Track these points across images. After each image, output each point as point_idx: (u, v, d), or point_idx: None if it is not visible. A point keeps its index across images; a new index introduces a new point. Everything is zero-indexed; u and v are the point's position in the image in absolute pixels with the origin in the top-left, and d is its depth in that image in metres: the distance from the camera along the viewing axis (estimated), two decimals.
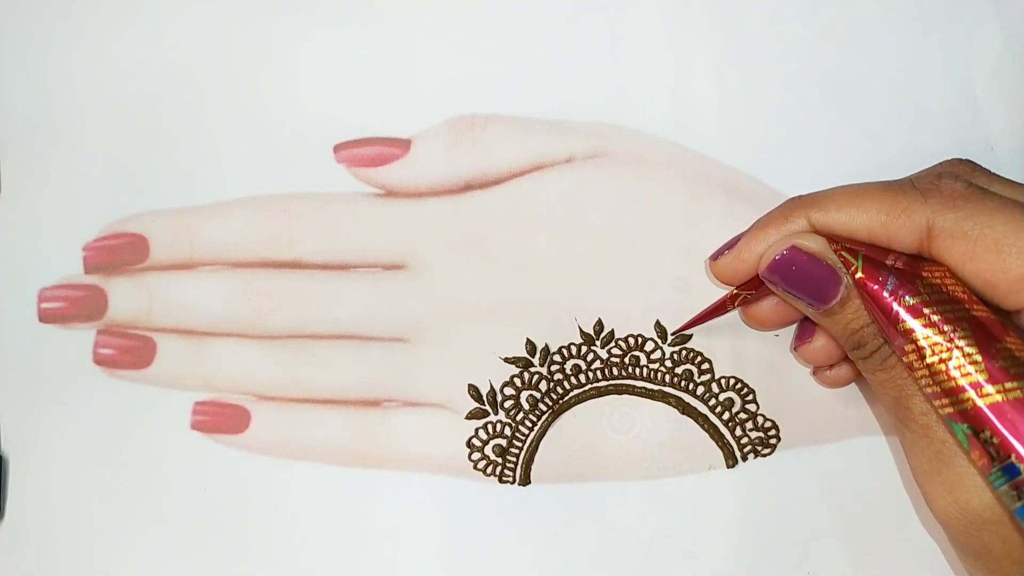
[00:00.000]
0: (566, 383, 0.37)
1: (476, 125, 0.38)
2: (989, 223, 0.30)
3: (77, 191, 0.38)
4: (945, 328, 0.29)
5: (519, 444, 0.37)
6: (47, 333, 0.38)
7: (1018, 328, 0.30)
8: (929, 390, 0.30)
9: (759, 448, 0.37)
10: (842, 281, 0.31)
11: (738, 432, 0.37)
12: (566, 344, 0.37)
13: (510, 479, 0.37)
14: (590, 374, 0.37)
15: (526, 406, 0.37)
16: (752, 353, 0.37)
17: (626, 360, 0.37)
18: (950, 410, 0.29)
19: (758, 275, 0.33)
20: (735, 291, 0.35)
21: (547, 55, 0.38)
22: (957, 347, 0.29)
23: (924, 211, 0.31)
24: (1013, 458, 0.28)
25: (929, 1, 0.38)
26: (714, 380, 0.37)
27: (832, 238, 0.32)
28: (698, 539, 0.37)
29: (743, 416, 0.37)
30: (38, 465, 0.37)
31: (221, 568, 0.37)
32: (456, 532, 0.37)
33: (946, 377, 0.29)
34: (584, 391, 0.37)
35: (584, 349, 0.37)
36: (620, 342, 0.37)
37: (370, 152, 0.38)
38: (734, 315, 0.37)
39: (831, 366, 0.36)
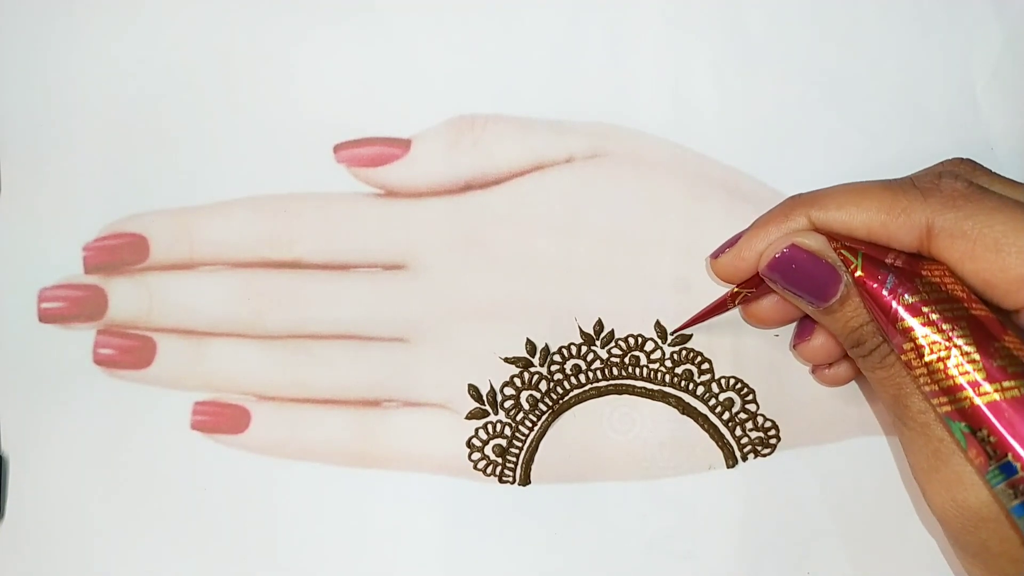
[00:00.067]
0: (566, 383, 0.37)
1: (476, 125, 0.38)
2: (988, 223, 0.30)
3: (77, 191, 0.38)
4: (944, 327, 0.29)
5: (519, 444, 0.37)
6: (47, 333, 0.38)
7: (1017, 327, 0.30)
8: (927, 388, 0.30)
9: (759, 448, 0.37)
10: (842, 279, 0.31)
11: (738, 432, 0.37)
12: (566, 344, 0.37)
13: (510, 479, 0.37)
14: (590, 374, 0.37)
15: (526, 406, 0.37)
16: (752, 353, 0.37)
17: (626, 360, 0.37)
18: (948, 408, 0.29)
19: (758, 273, 0.33)
20: (736, 289, 0.35)
21: (547, 55, 0.38)
22: (955, 346, 0.29)
23: (924, 210, 0.31)
24: (1010, 456, 0.28)
25: (929, 1, 0.38)
26: (714, 380, 0.37)
27: (832, 236, 0.32)
28: (698, 539, 0.37)
29: (743, 416, 0.37)
30: (38, 465, 0.37)
31: (221, 568, 0.37)
32: (456, 532, 0.37)
33: (944, 376, 0.29)
34: (584, 391, 0.37)
35: (584, 349, 0.37)
36: (620, 342, 0.37)
37: (370, 152, 0.38)
38: (734, 314, 0.37)
39: (830, 364, 0.36)
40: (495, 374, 0.37)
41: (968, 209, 0.30)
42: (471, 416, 0.37)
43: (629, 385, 0.37)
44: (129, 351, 0.37)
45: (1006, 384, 0.29)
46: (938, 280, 0.30)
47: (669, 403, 0.37)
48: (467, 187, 0.38)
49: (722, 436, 0.37)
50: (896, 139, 0.38)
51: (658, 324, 0.37)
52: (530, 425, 0.37)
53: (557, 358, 0.37)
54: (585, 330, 0.37)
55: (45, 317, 0.38)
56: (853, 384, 0.37)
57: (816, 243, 0.32)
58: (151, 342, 0.38)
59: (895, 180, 0.32)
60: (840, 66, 0.38)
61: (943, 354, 0.29)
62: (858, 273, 0.31)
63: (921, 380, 0.30)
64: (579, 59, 0.38)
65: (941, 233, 0.30)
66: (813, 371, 0.37)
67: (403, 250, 0.38)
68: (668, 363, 0.37)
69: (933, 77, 0.38)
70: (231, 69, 0.38)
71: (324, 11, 0.38)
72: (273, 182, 0.38)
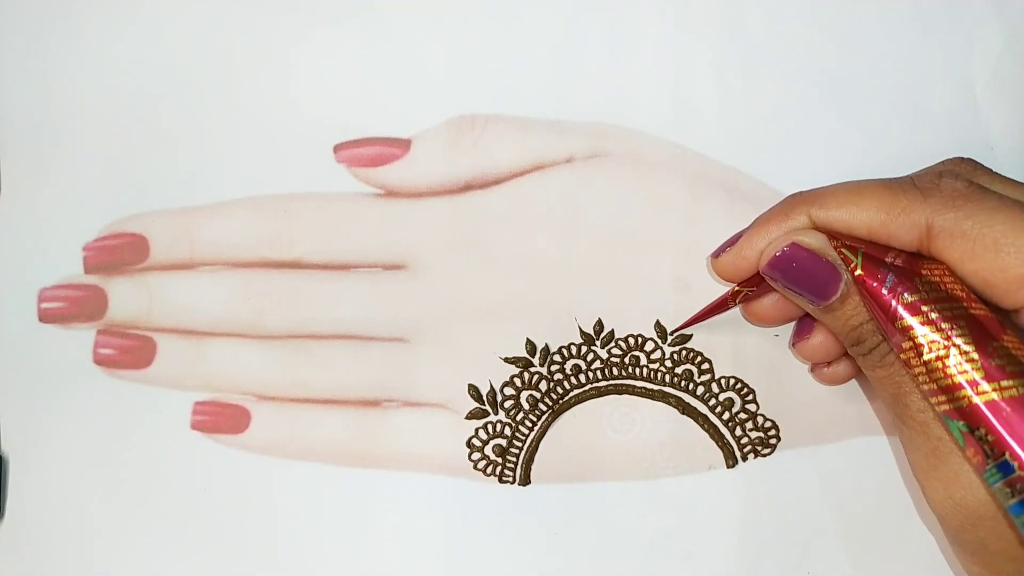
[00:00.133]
0: (566, 383, 0.37)
1: (476, 125, 0.38)
2: (988, 222, 0.30)
3: (77, 191, 0.38)
4: (943, 326, 0.29)
5: (519, 444, 0.37)
6: (47, 333, 0.38)
7: (1016, 327, 0.30)
8: (926, 387, 0.30)
9: (759, 448, 0.37)
10: (842, 278, 0.31)
11: (738, 432, 0.37)
12: (566, 344, 0.37)
13: (510, 479, 0.37)
14: (590, 374, 0.37)
15: (526, 406, 0.37)
16: (752, 353, 0.37)
17: (626, 360, 0.37)
18: (946, 407, 0.29)
19: (759, 272, 0.33)
20: (736, 288, 0.35)
21: (547, 55, 0.38)
22: (954, 345, 0.29)
23: (924, 210, 0.31)
24: (1007, 455, 0.28)
25: (929, 1, 0.38)
26: (714, 380, 0.37)
27: (832, 235, 0.32)
28: (698, 539, 0.37)
29: (743, 416, 0.37)
30: (38, 465, 0.37)
31: (221, 568, 0.37)
32: (456, 532, 0.37)
33: (943, 374, 0.29)
34: (584, 391, 0.37)
35: (584, 349, 0.37)
36: (620, 342, 0.37)
37: (370, 152, 0.38)
38: (734, 314, 0.37)
39: (829, 363, 0.36)
40: (495, 374, 0.37)
41: (968, 209, 0.30)
42: (471, 416, 0.37)
43: (629, 385, 0.37)
44: (129, 351, 0.38)
45: (1004, 383, 0.29)
46: (938, 279, 0.30)
47: (669, 403, 0.37)
48: (467, 187, 0.38)
49: (722, 436, 0.37)
50: (896, 139, 0.38)
51: (658, 324, 0.37)
52: (530, 425, 0.37)
53: (557, 358, 0.37)
54: (585, 330, 0.37)
55: (45, 317, 0.38)
56: (853, 384, 0.37)
57: (816, 242, 0.32)
58: (151, 342, 0.38)
59: (895, 179, 0.32)
60: (840, 66, 0.38)
61: (942, 353, 0.29)
62: (858, 272, 0.31)
63: (920, 379, 0.30)
64: (579, 59, 0.38)
65: (941, 233, 0.30)
66: (812, 369, 0.37)
67: (403, 250, 0.38)
68: (668, 363, 0.37)
69: (933, 77, 0.38)
70: (231, 69, 0.38)
71: (324, 11, 0.38)
72: (273, 182, 0.38)
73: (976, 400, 0.29)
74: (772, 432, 0.37)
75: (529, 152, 0.38)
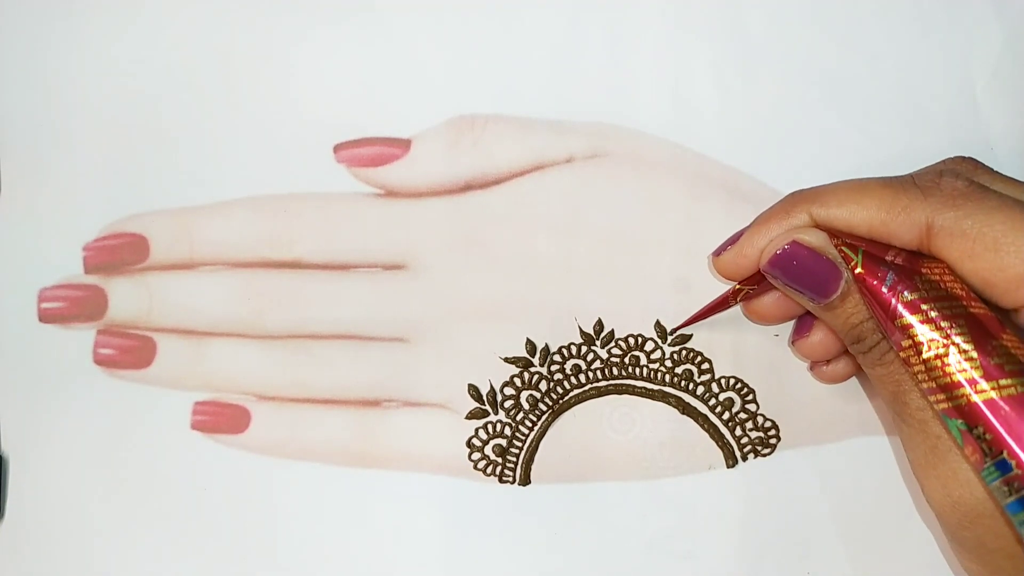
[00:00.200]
0: (566, 383, 0.37)
1: (476, 125, 0.38)
2: (988, 222, 0.30)
3: (77, 191, 0.38)
4: (942, 324, 0.30)
5: (519, 444, 0.37)
6: (47, 333, 0.38)
7: (1015, 326, 0.30)
8: (925, 385, 0.30)
9: (759, 448, 0.37)
10: (842, 276, 0.31)
11: (738, 432, 0.37)
12: (566, 344, 0.37)
13: (510, 479, 0.37)
14: (590, 374, 0.37)
15: (526, 406, 0.37)
16: (752, 353, 0.37)
17: (626, 360, 0.37)
18: (945, 406, 0.29)
19: (760, 270, 0.33)
20: (737, 286, 0.35)
21: (547, 55, 0.38)
22: (954, 343, 0.29)
23: (924, 209, 0.31)
24: (1005, 454, 0.28)
25: (929, 1, 0.38)
26: (714, 380, 0.37)
27: (833, 233, 0.32)
28: (698, 539, 0.37)
29: (743, 416, 0.37)
30: (38, 465, 0.37)
31: (221, 568, 0.37)
32: (456, 532, 0.37)
33: (942, 373, 0.29)
34: (584, 391, 0.37)
35: (584, 349, 0.37)
36: (620, 342, 0.37)
37: (370, 152, 0.38)
38: (734, 314, 0.37)
39: (828, 361, 0.36)
40: (495, 374, 0.37)
41: (968, 208, 0.30)
42: (471, 416, 0.37)
43: (629, 385, 0.37)
44: (129, 351, 0.38)
45: (1003, 382, 0.29)
46: (937, 278, 0.30)
47: (669, 403, 0.37)
48: (467, 187, 0.38)
49: (722, 436, 0.37)
50: (896, 139, 0.38)
51: (658, 324, 0.37)
52: (530, 425, 0.37)
53: (557, 358, 0.37)
54: (585, 330, 0.37)
55: (45, 317, 0.38)
56: (853, 384, 0.37)
57: (817, 240, 0.32)
58: (151, 342, 0.38)
59: (896, 178, 0.32)
60: (840, 66, 0.38)
61: (941, 351, 0.29)
62: (858, 270, 0.31)
63: (919, 377, 0.30)
64: (579, 59, 0.38)
65: (941, 231, 0.30)
66: (811, 368, 0.37)
67: (403, 250, 0.38)
68: (668, 363, 0.37)
69: (933, 77, 0.38)
70: (231, 69, 0.38)
71: (324, 11, 0.38)
72: (273, 182, 0.38)
73: (975, 399, 0.29)
74: (772, 432, 0.37)
75: (529, 152, 0.38)
